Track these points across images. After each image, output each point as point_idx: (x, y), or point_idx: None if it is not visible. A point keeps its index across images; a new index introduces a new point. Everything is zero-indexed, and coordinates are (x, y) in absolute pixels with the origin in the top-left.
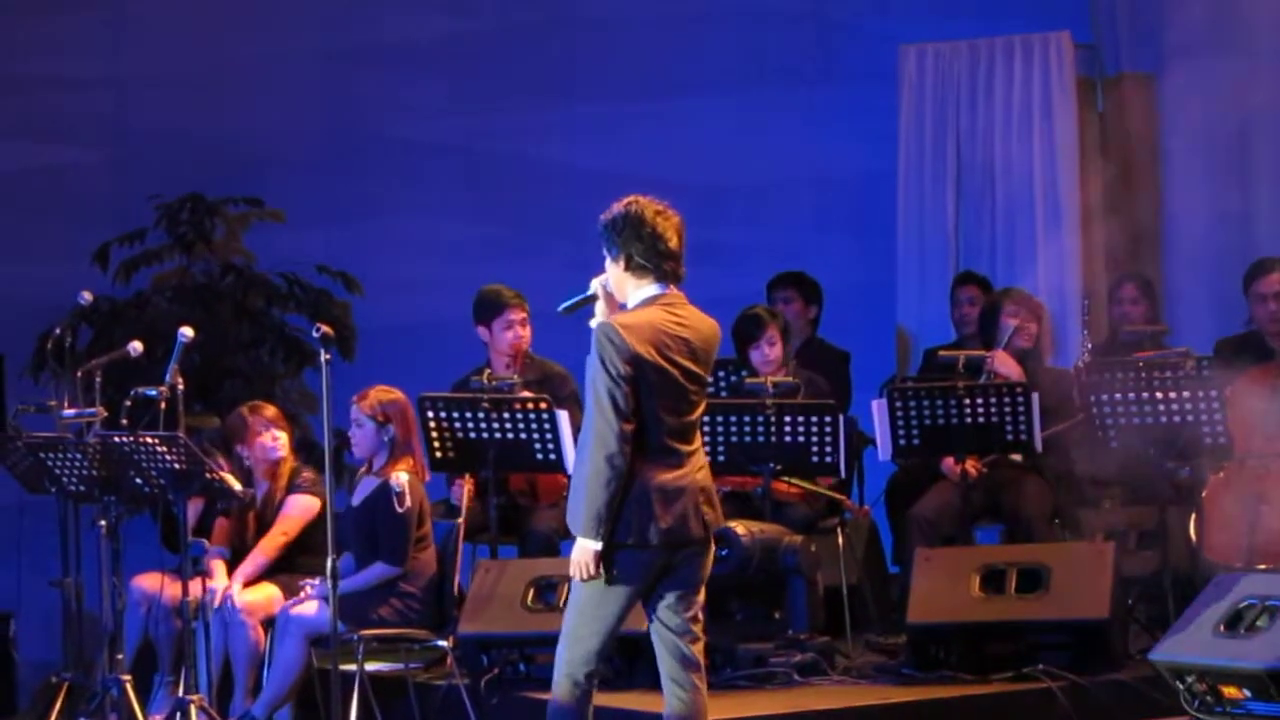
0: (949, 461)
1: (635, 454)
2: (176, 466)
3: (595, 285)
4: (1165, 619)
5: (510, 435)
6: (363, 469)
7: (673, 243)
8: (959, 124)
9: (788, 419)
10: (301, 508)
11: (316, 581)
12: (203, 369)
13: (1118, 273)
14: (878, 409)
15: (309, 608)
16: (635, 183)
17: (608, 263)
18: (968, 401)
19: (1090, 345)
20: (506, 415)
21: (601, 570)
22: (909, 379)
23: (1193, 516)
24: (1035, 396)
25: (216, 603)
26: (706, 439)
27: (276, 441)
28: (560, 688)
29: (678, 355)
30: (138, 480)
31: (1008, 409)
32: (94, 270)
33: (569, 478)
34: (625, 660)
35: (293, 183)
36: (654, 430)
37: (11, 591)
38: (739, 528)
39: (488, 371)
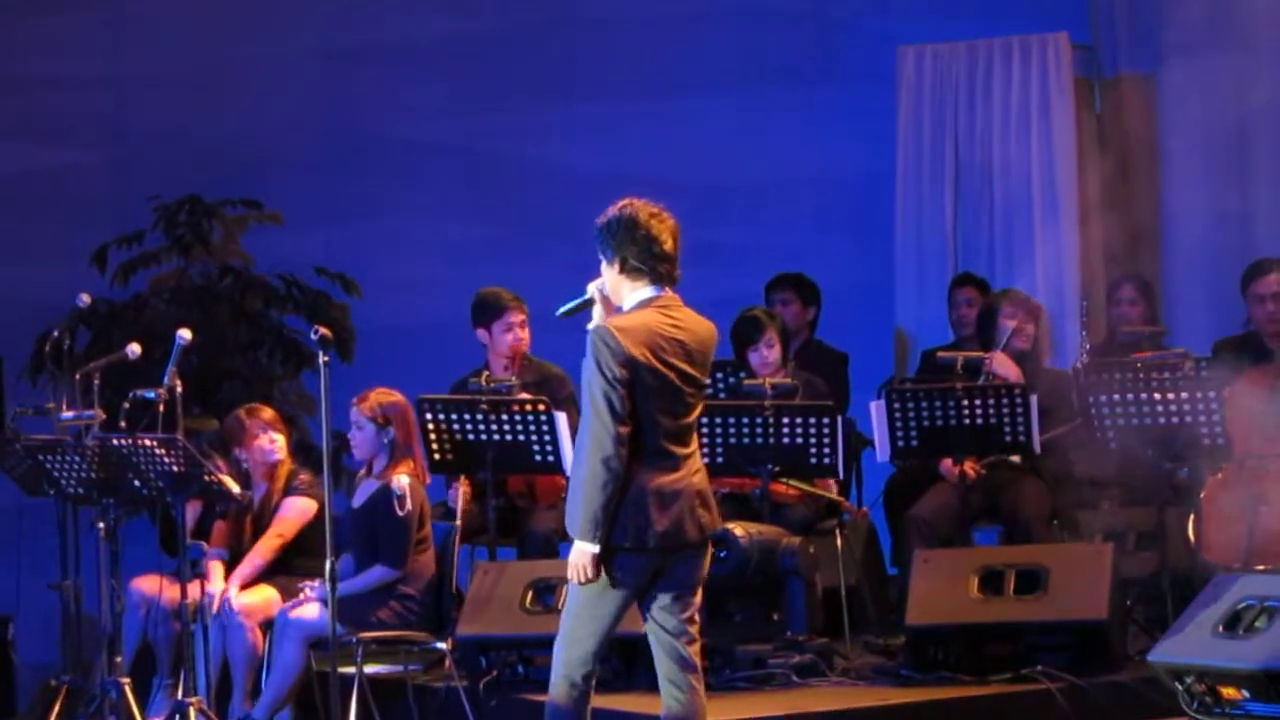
0: (947, 463)
1: (631, 457)
2: (175, 469)
3: (592, 289)
4: (1164, 620)
5: (509, 437)
6: (362, 471)
7: (668, 245)
8: (957, 125)
9: (786, 420)
10: (298, 510)
11: (315, 584)
12: (201, 371)
13: (1116, 273)
14: (876, 410)
15: (308, 610)
16: (634, 183)
17: (603, 266)
18: (966, 403)
19: (1088, 346)
20: (505, 417)
21: (599, 573)
22: (907, 380)
23: (1191, 517)
24: (1034, 398)
25: (215, 606)
26: (705, 441)
27: (274, 444)
28: (558, 689)
29: (673, 358)
30: (136, 483)
31: (1006, 410)
32: (92, 272)
33: (567, 479)
34: (623, 662)
35: (292, 183)
36: (650, 433)
37: (10, 594)
38: (737, 529)
39: (486, 373)
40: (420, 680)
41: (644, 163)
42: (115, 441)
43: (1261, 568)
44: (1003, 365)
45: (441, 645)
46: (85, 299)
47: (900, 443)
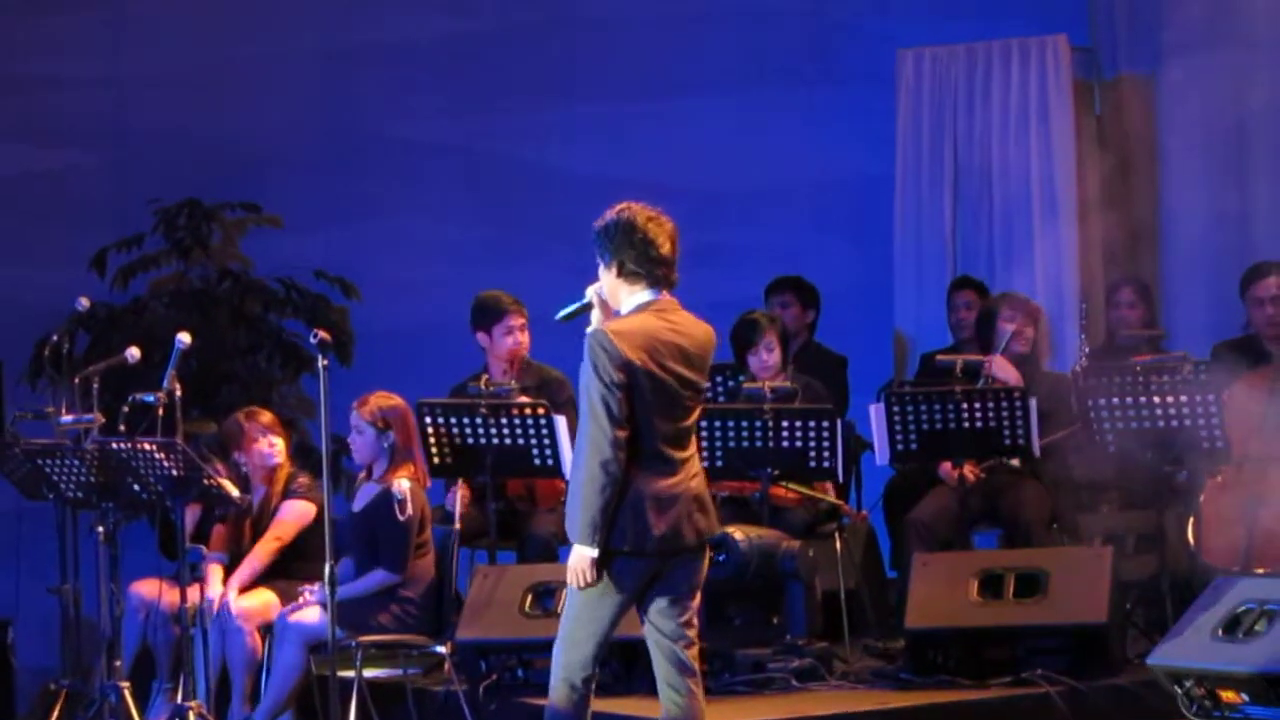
0: (946, 466)
1: (629, 461)
2: (174, 473)
3: (590, 293)
4: (1163, 623)
5: (508, 440)
6: (362, 475)
7: (665, 249)
8: (956, 127)
9: (785, 424)
10: (296, 513)
11: (316, 588)
12: (200, 375)
13: (1115, 276)
14: (875, 414)
15: (308, 614)
16: (634, 185)
17: (601, 269)
18: (965, 406)
19: (1087, 349)
20: (504, 420)
21: (598, 577)
22: (906, 383)
23: (1190, 520)
24: (1033, 401)
25: (214, 610)
26: (705, 444)
27: (273, 448)
28: (557, 693)
29: (670, 361)
30: (135, 486)
31: (1005, 414)
32: (91, 276)
33: (567, 483)
34: (623, 665)
35: (292, 184)
36: (648, 437)
37: (10, 598)
38: (737, 533)
39: (485, 377)
40: (420, 684)
41: (644, 164)
42: (114, 445)
43: (1261, 571)
44: (1002, 369)
45: (441, 649)
46: (84, 303)
47: (899, 446)
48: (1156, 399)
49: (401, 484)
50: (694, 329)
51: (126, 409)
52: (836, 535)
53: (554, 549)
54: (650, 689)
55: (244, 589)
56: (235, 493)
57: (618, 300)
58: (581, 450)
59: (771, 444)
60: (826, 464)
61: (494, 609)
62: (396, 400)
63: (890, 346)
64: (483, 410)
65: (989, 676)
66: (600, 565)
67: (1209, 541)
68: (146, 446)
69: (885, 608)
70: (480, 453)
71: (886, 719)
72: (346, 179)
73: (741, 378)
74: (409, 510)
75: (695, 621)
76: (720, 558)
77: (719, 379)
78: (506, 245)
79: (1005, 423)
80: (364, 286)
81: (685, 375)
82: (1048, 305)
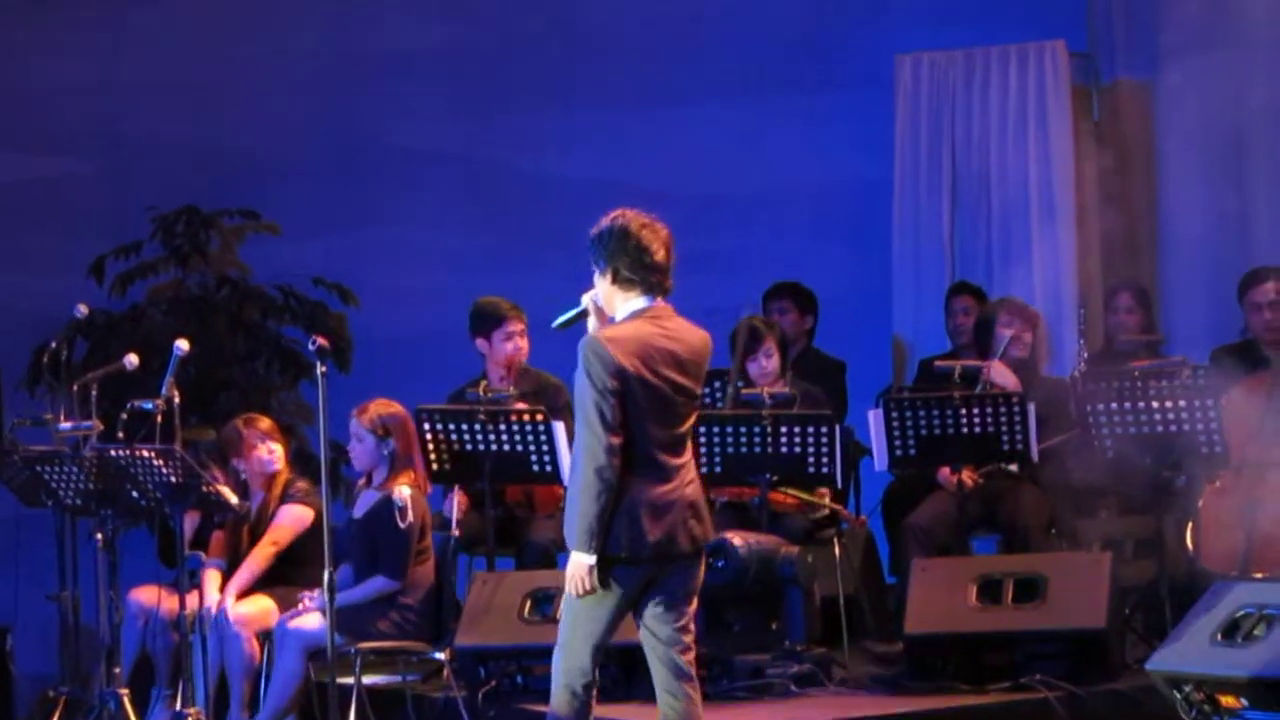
0: (945, 471)
1: (624, 467)
2: (173, 479)
3: (586, 300)
4: (1162, 628)
5: (506, 447)
6: (361, 481)
7: (659, 255)
8: (955, 133)
9: (784, 430)
10: (293, 518)
11: (315, 594)
12: (198, 382)
13: (1113, 281)
14: (874, 419)
15: (307, 621)
16: (632, 192)
17: (596, 276)
18: (964, 412)
19: (1086, 354)
20: (503, 427)
21: (597, 583)
22: (905, 389)
23: (1189, 525)
24: (1031, 407)
25: (213, 615)
26: (703, 450)
27: (272, 454)
28: (559, 699)
29: (664, 368)
30: (134, 493)
31: (1004, 419)
32: (90, 283)
33: (565, 489)
34: (623, 671)
35: (290, 191)
36: (642, 443)
37: (9, 605)
38: (735, 539)
39: (484, 383)
40: (419, 691)
41: (643, 171)
42: (113, 452)
43: (1259, 575)
44: (1000, 374)
45: (440, 655)
46: (83, 310)
47: (898, 451)
48: (1155, 404)
49: (402, 491)
50: (689, 335)
51: (125, 416)
52: (835, 540)
53: (553, 555)
54: (650, 694)
55: (241, 594)
56: (234, 499)
57: (613, 307)
58: (577, 457)
59: (770, 450)
60: (825, 469)
61: (493, 615)
62: (396, 408)
63: (889, 352)
64: (481, 417)
65: (988, 682)
66: (599, 572)
67: (1208, 546)
68: (145, 453)
69: (884, 613)
70: (479, 459)
71: None
72: (345, 186)
73: (740, 384)
74: (410, 517)
75: (692, 627)
76: (719, 563)
77: (718, 384)
78: (505, 252)
79: (1004, 428)
80: (362, 293)
81: (679, 381)
82: (1046, 310)
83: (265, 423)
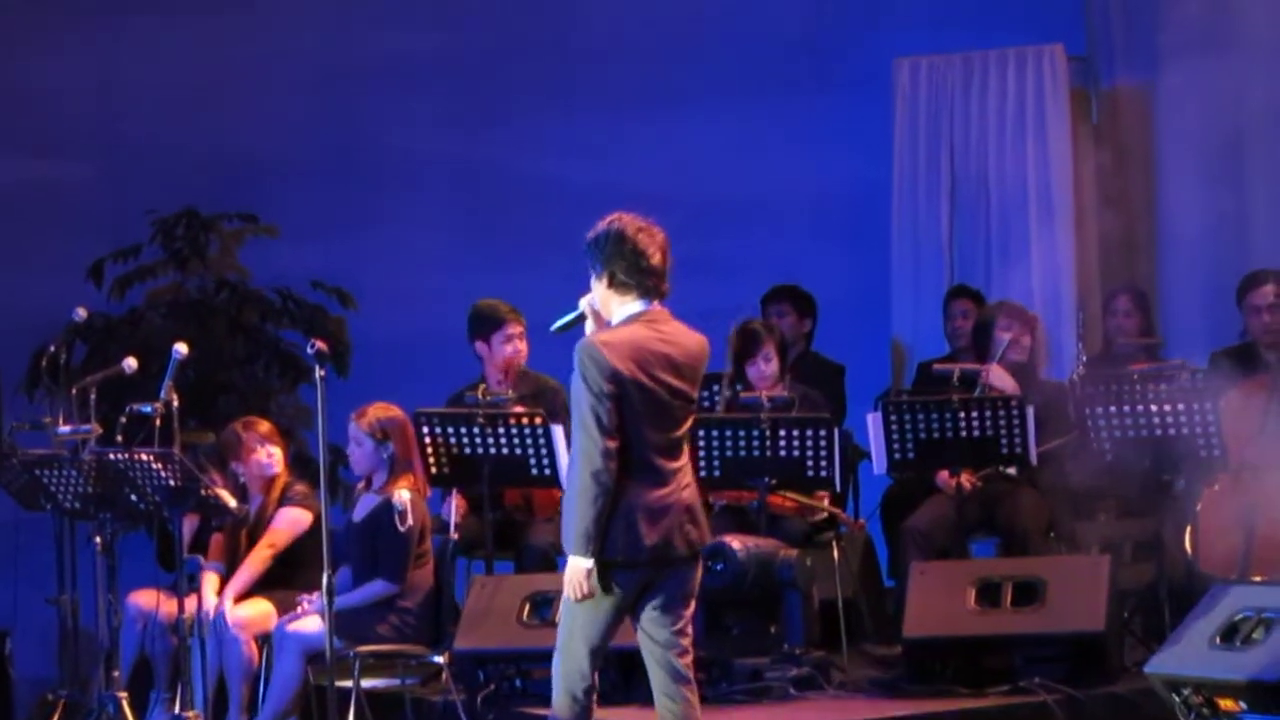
0: (944, 475)
1: (621, 471)
2: (172, 483)
3: (583, 304)
4: (1161, 631)
5: (505, 450)
6: (361, 485)
7: (655, 259)
8: (953, 136)
9: (783, 433)
10: (290, 520)
11: (314, 597)
12: (197, 385)
13: (1112, 284)
14: (873, 422)
15: (306, 624)
16: (631, 196)
17: (593, 280)
18: (963, 415)
19: (1084, 358)
20: (501, 430)
21: (595, 587)
22: (904, 392)
23: (1188, 528)
24: (1030, 410)
25: (212, 618)
26: (702, 453)
27: (271, 457)
28: (559, 703)
29: (660, 371)
30: (133, 497)
31: (1003, 422)
32: (88, 286)
33: (564, 492)
34: (621, 674)
35: (289, 194)
36: (638, 447)
37: (8, 608)
38: (734, 542)
39: (482, 386)
40: (418, 694)
41: (641, 174)
42: (112, 456)
43: (1258, 578)
44: (999, 377)
45: (439, 659)
46: (81, 313)
47: (897, 455)
48: (1154, 407)
49: (402, 494)
50: (685, 339)
51: (124, 419)
52: (834, 544)
53: (551, 559)
54: (648, 698)
55: (239, 597)
56: (233, 503)
57: (609, 311)
58: (574, 461)
59: (769, 453)
60: (824, 473)
61: (492, 619)
62: (395, 411)
63: (888, 355)
64: (480, 420)
65: (987, 685)
66: (597, 575)
67: (1206, 549)
68: (144, 457)
69: (883, 616)
70: (477, 462)
71: None
72: (344, 189)
73: (739, 387)
74: (409, 520)
75: (689, 630)
76: (718, 566)
77: (716, 387)
78: (503, 255)
79: (1002, 431)
80: (361, 296)
81: (675, 385)
82: (1044, 313)
83: (264, 426)
